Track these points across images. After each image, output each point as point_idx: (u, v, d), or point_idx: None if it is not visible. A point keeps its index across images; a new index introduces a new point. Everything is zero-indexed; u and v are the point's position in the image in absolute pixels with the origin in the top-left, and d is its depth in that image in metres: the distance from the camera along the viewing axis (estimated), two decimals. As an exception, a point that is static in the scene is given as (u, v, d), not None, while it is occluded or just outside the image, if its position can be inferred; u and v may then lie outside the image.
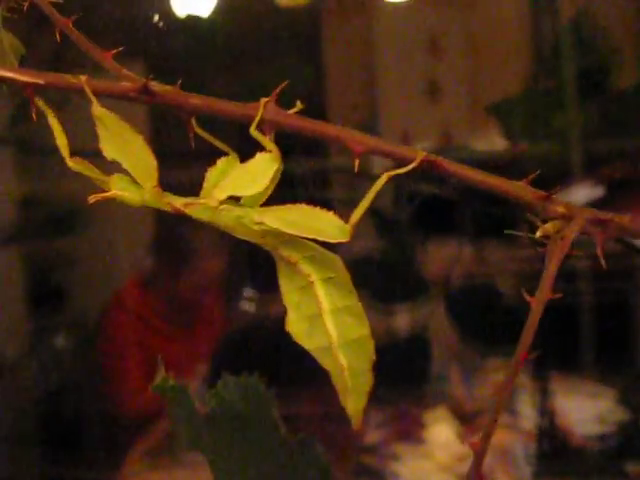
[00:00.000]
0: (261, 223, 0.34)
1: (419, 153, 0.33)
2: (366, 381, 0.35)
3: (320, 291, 0.35)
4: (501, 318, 1.25)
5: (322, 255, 0.34)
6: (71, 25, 0.46)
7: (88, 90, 0.37)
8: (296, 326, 0.36)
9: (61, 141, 0.37)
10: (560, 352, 1.32)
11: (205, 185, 0.37)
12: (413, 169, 0.33)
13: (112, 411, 1.36)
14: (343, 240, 0.32)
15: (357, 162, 0.33)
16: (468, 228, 1.21)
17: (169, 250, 1.48)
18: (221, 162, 0.37)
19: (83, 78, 0.38)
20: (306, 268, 0.35)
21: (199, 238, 1.42)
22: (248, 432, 0.43)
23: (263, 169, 0.34)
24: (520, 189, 0.32)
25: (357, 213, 0.32)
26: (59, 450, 1.30)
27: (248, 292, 1.43)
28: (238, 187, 0.35)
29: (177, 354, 1.41)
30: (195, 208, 0.35)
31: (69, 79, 0.38)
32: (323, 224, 0.33)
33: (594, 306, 1.37)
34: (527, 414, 1.32)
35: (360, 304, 0.35)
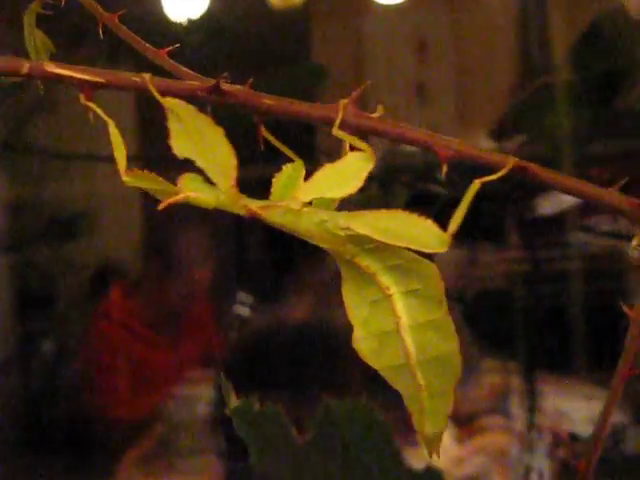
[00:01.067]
0: (347, 229, 0.32)
1: (509, 159, 0.32)
2: (447, 402, 0.32)
3: (399, 305, 0.32)
4: (498, 320, 1.25)
5: (411, 264, 0.32)
6: (117, 20, 0.44)
7: (153, 89, 0.35)
8: (364, 344, 0.33)
9: (119, 153, 0.34)
10: (554, 353, 1.33)
11: (272, 191, 0.35)
12: (504, 175, 0.32)
13: (105, 417, 1.33)
14: (441, 250, 0.30)
15: (444, 167, 0.32)
16: (473, 232, 1.21)
17: (156, 257, 1.45)
18: (286, 168, 0.35)
19: (147, 77, 0.36)
20: (386, 280, 0.32)
21: (186, 245, 1.40)
22: (359, 464, 0.39)
23: (356, 169, 0.32)
24: (613, 196, 0.31)
25: (455, 222, 0.30)
26: (52, 456, 1.28)
27: (242, 296, 1.41)
28: (327, 189, 0.32)
29: (165, 362, 1.39)
30: (274, 211, 0.33)
31: (131, 78, 0.36)
32: (419, 232, 0.30)
33: (587, 307, 1.38)
34: (521, 416, 1.32)
35: (449, 317, 0.32)
